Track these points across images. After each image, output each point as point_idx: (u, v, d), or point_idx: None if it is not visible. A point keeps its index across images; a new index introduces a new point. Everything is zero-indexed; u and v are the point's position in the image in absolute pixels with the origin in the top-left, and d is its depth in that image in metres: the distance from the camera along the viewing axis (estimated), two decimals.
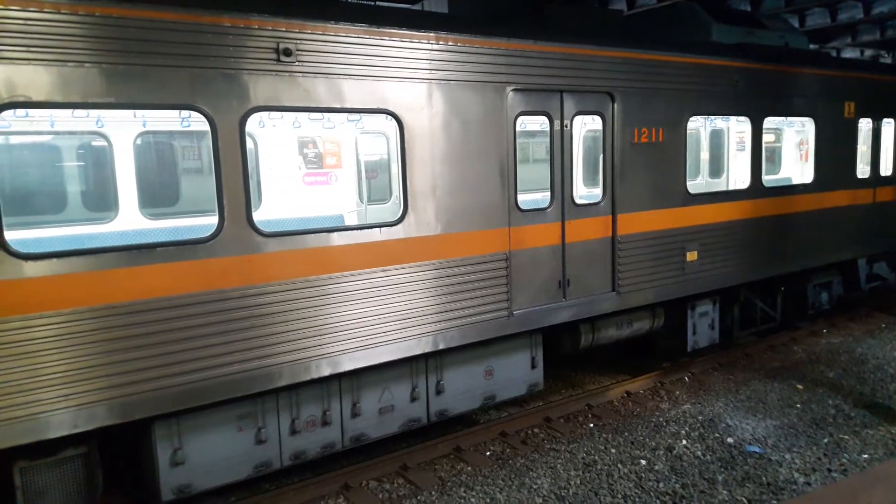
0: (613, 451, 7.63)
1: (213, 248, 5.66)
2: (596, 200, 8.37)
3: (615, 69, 8.21)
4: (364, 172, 9.26)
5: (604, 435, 8.04)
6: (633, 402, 9.05)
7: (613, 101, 8.22)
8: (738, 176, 12.42)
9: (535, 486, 6.88)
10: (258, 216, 8.11)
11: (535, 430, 8.22)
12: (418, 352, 6.88)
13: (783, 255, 10.59)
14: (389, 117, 6.57)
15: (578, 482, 6.95)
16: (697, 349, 10.11)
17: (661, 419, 8.45)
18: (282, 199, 8.38)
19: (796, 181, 11.42)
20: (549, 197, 7.90)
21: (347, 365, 6.41)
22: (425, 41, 6.66)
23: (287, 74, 5.90)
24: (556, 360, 9.38)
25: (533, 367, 8.26)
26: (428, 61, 6.69)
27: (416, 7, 15.61)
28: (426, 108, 6.71)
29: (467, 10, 8.86)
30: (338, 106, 6.24)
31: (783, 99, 10.32)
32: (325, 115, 7.48)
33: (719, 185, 12.71)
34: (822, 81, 10.95)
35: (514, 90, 7.35)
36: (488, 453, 7.66)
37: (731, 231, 9.74)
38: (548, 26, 8.13)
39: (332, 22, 6.09)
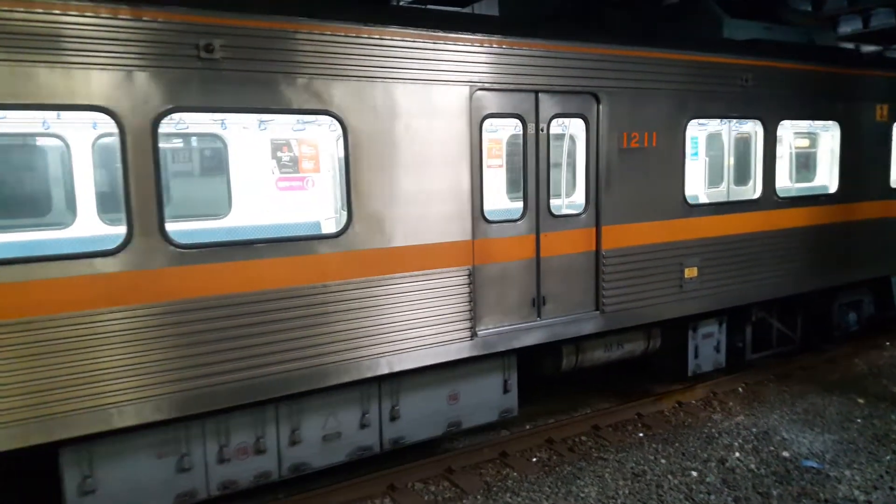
0: (663, 461, 7.41)
1: (120, 262, 5.19)
2: (577, 211, 7.65)
3: (600, 67, 7.48)
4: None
5: (654, 445, 7.84)
6: (684, 413, 8.85)
7: (598, 103, 7.49)
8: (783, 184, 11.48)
9: (582, 495, 6.72)
10: (228, 222, 7.79)
11: (583, 438, 8.10)
12: (363, 376, 6.30)
13: (802, 272, 9.63)
14: (332, 120, 6.01)
15: (627, 492, 6.75)
16: (699, 373, 9.26)
17: (713, 430, 8.21)
18: (253, 205, 7.91)
19: (819, 191, 10.42)
20: (521, 207, 7.23)
21: (279, 391, 5.87)
22: (373, 36, 6.09)
23: (210, 72, 5.40)
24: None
25: (505, 391, 7.58)
26: (377, 59, 6.11)
27: (466, 10, 14.81)
28: (375, 109, 6.13)
29: (518, 12, 8.28)
30: (271, 107, 5.72)
31: (803, 101, 9.38)
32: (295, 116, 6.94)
33: (745, 193, 11.81)
34: (849, 81, 9.95)
35: (480, 90, 6.71)
36: (534, 459, 7.57)
37: (740, 245, 8.87)
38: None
39: (261, 16, 5.57)
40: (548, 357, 8.06)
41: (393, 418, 6.87)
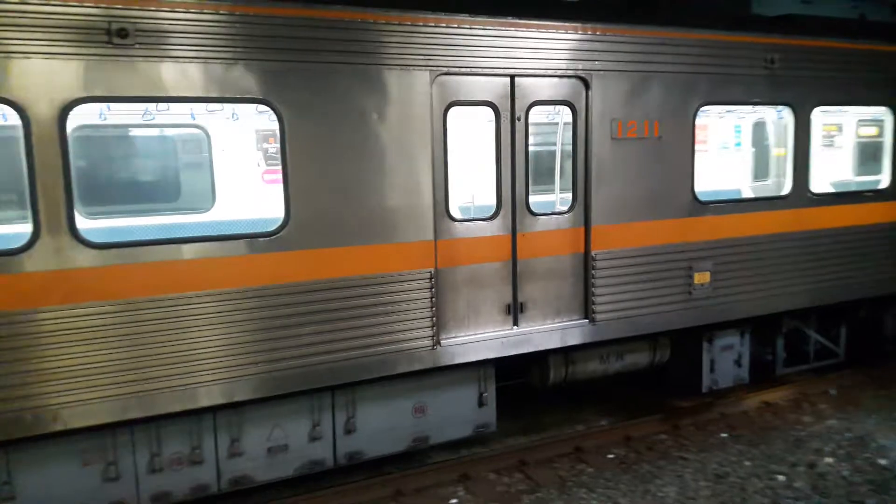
0: (748, 463, 7.15)
1: (24, 262, 4.91)
2: (563, 209, 6.92)
3: (591, 48, 6.71)
4: None
5: (738, 446, 7.54)
6: (771, 414, 8.42)
7: (588, 88, 6.72)
8: (822, 178, 10.34)
9: (660, 494, 6.54)
10: (211, 216, 7.47)
11: (663, 437, 7.80)
12: (302, 387, 5.83)
13: (846, 279, 8.51)
14: (268, 109, 5.55)
15: (709, 493, 6.55)
16: (717, 389, 8.32)
17: (802, 433, 7.84)
18: (238, 198, 7.56)
19: (866, 186, 9.21)
20: (494, 204, 6.57)
21: (204, 400, 5.48)
22: (311, 17, 5.57)
23: (124, 59, 5.03)
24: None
25: (481, 405, 6.96)
26: (319, 41, 5.60)
27: None
28: (317, 97, 5.63)
29: None
30: (195, 95, 5.31)
31: (845, 84, 8.24)
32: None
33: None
34: None
35: (442, 75, 6.10)
36: (611, 456, 7.34)
37: (765, 248, 7.87)
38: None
39: None
40: (535, 368, 7.38)
41: (348, 431, 6.39)
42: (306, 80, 5.57)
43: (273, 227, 5.62)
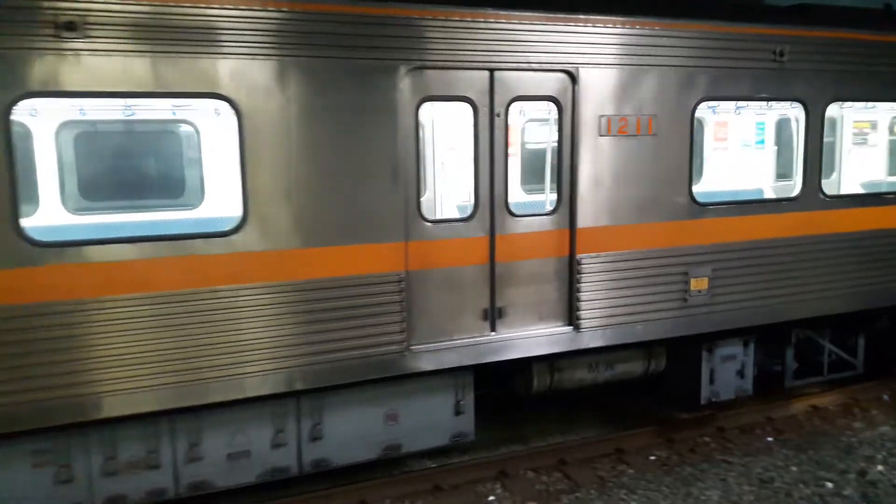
0: (794, 469, 6.97)
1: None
2: (546, 210, 6.57)
3: (578, 41, 6.33)
4: None
5: (784, 451, 7.36)
6: (819, 418, 8.18)
7: (575, 83, 6.35)
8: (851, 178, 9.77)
9: (703, 498, 6.43)
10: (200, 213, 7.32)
11: (706, 439, 7.60)
12: (263, 392, 5.63)
13: (862, 286, 7.95)
14: (225, 103, 5.33)
15: (752, 498, 6.42)
16: (717, 402, 7.88)
17: (852, 440, 7.61)
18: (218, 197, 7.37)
19: (889, 188, 8.62)
20: (471, 204, 6.26)
21: (151, 405, 5.30)
22: (273, 8, 5.33)
23: (71, 53, 4.86)
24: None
25: (458, 412, 6.68)
26: (279, 34, 5.34)
27: None
28: (277, 91, 5.38)
29: None
30: (149, 90, 5.12)
31: (866, 79, 7.67)
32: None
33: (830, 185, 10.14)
34: None
35: (414, 69, 5.80)
36: (653, 458, 7.25)
37: (770, 253, 7.39)
38: None
39: None
40: (519, 375, 7.06)
41: (315, 438, 6.17)
42: (266, 73, 5.34)
43: (229, 227, 5.41)
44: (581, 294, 6.61)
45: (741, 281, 7.29)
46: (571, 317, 6.63)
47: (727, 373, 7.84)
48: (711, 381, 7.76)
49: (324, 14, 5.45)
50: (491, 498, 6.47)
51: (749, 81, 7.09)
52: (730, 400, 7.95)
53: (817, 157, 7.56)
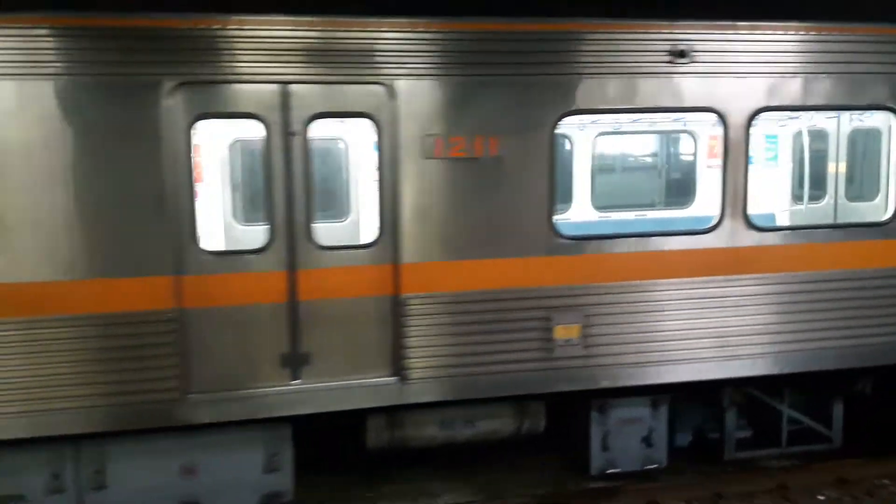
0: None
1: None
2: (364, 242, 5.75)
3: (395, 49, 5.50)
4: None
5: None
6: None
7: (394, 98, 5.50)
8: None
9: None
10: None
11: (885, 482, 6.83)
12: (26, 435, 5.21)
13: (811, 340, 6.41)
14: None
15: None
16: (614, 474, 6.57)
17: None
18: None
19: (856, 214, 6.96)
20: (266, 234, 5.55)
21: None
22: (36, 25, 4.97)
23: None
24: None
25: (271, 469, 5.93)
26: (15, 52, 4.97)
27: None
28: (12, 112, 4.99)
29: None
30: None
31: (812, 81, 6.18)
32: None
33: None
34: None
35: (183, 84, 5.22)
36: (821, 497, 6.63)
37: (676, 296, 6.10)
38: None
39: None
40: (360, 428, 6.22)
41: (98, 487, 5.67)
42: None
43: None
44: (408, 340, 5.70)
45: (631, 329, 6.05)
46: (397, 366, 5.73)
47: (628, 439, 6.53)
48: (605, 448, 6.49)
49: (60, 29, 5.01)
50: None
51: (636, 89, 5.89)
52: (635, 471, 6.61)
53: (741, 178, 6.15)
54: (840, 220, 8.29)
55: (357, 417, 6.06)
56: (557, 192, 5.87)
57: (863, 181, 8.70)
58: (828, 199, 8.90)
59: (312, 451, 6.70)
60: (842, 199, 8.69)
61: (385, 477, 7.01)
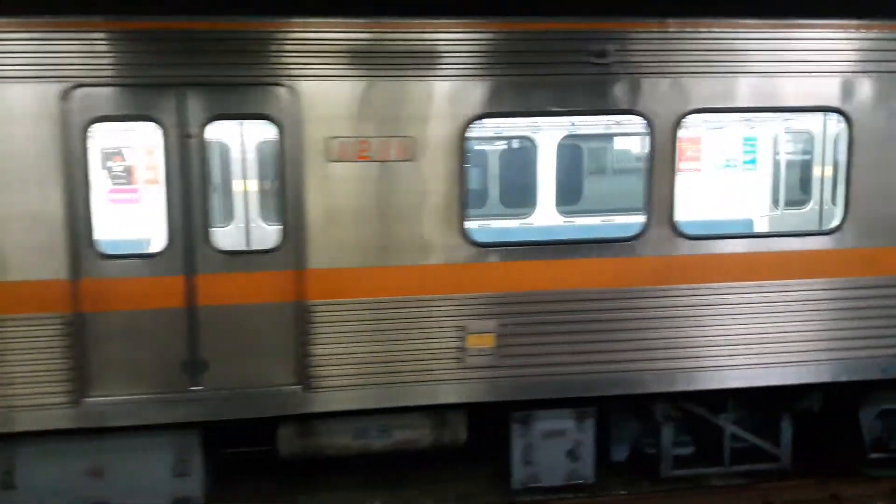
0: None
1: None
2: (268, 246, 5.63)
3: (296, 50, 5.36)
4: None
5: None
6: None
7: (297, 99, 5.37)
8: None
9: None
10: None
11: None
12: None
13: (751, 355, 6.10)
14: None
15: None
16: (538, 487, 6.35)
17: None
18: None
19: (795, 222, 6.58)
20: (165, 239, 5.47)
21: None
22: None
23: None
24: None
25: (180, 474, 5.88)
26: None
27: None
28: None
29: None
30: None
31: (745, 82, 5.84)
32: None
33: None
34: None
35: (79, 87, 5.16)
36: None
37: (594, 306, 5.85)
38: None
39: None
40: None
41: (6, 486, 5.70)
42: None
43: None
44: (314, 348, 5.58)
45: (549, 339, 5.82)
46: (302, 374, 5.61)
47: (552, 453, 6.29)
48: (527, 462, 6.27)
49: None
50: None
51: (553, 92, 5.64)
52: (559, 486, 6.37)
53: (669, 182, 5.85)
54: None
55: (273, 425, 5.99)
56: (468, 197, 5.67)
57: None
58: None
59: (242, 457, 6.71)
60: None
61: (308, 485, 6.90)
